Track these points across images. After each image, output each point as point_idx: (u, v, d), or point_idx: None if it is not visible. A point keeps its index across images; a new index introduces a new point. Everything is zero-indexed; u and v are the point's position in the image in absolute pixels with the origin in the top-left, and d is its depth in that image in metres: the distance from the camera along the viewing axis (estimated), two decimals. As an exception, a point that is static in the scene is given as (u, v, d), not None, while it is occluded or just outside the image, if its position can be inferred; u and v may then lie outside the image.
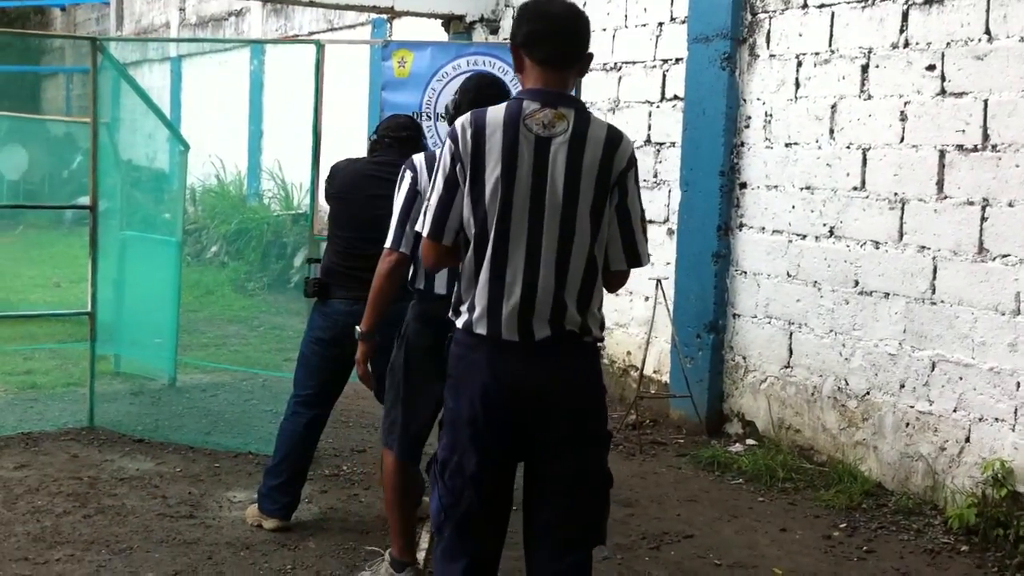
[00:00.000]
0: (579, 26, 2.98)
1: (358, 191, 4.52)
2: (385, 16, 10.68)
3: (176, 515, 4.87)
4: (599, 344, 3.02)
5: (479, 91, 4.02)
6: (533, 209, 2.87)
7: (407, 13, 8.77)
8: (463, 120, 2.94)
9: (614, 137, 2.92)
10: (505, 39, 8.45)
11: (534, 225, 2.87)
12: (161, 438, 6.03)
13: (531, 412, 2.93)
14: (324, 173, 5.72)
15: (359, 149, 5.62)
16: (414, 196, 3.84)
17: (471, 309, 2.92)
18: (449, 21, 8.75)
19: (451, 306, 3.03)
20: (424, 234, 2.98)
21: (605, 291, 3.05)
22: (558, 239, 2.87)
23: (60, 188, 15.85)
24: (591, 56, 3.03)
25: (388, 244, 3.86)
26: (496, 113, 2.91)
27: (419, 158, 3.93)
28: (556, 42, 2.94)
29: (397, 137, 4.55)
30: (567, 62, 2.96)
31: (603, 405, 3.08)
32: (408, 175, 3.89)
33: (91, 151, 6.29)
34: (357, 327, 4.03)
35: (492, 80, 4.19)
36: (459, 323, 2.97)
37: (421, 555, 4.38)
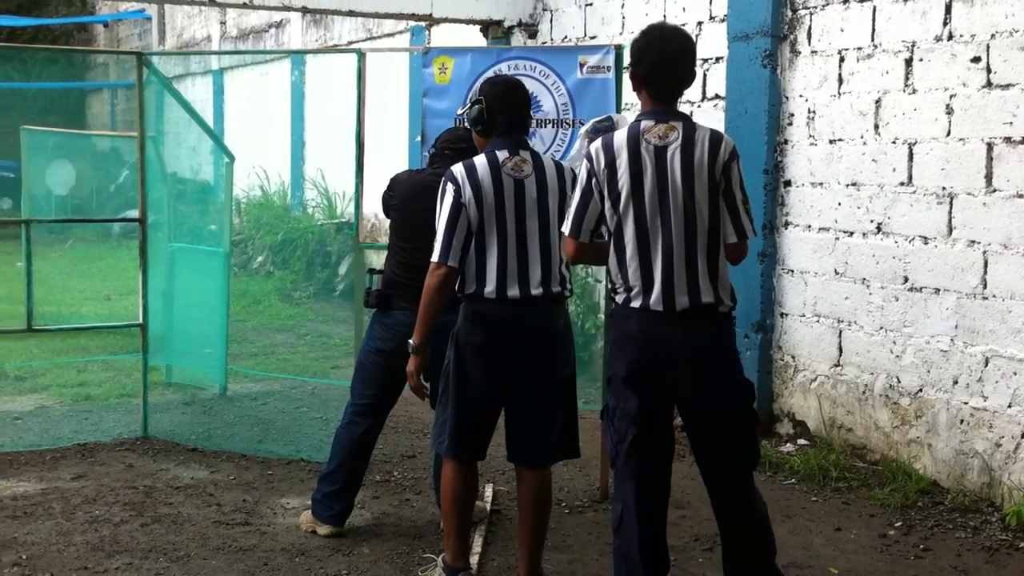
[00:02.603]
0: (690, 62, 3.71)
1: (418, 202, 4.50)
2: (423, 24, 10.73)
3: (231, 522, 4.93)
4: (732, 312, 3.70)
5: (508, 94, 4.05)
6: (661, 204, 3.56)
7: (445, 20, 8.80)
8: (596, 144, 3.65)
9: (716, 136, 3.62)
10: (544, 42, 8.47)
11: (664, 217, 3.56)
12: (214, 447, 6.10)
13: (672, 366, 3.58)
14: (368, 182, 5.79)
15: (401, 156, 5.67)
16: (458, 208, 3.88)
17: (627, 289, 3.63)
18: (487, 27, 8.77)
19: (610, 288, 3.74)
20: (566, 233, 3.71)
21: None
22: (684, 225, 3.56)
23: (107, 202, 16.09)
24: (695, 75, 3.76)
25: (436, 258, 3.89)
26: (621, 135, 3.64)
27: (459, 169, 3.94)
28: (670, 82, 3.68)
29: (457, 148, 4.54)
30: (677, 94, 3.72)
31: (736, 360, 3.75)
32: (450, 188, 3.91)
33: (139, 164, 6.38)
34: (409, 340, 4.06)
35: (515, 83, 4.20)
36: (618, 299, 3.66)
37: (475, 559, 4.40)
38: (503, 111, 4.01)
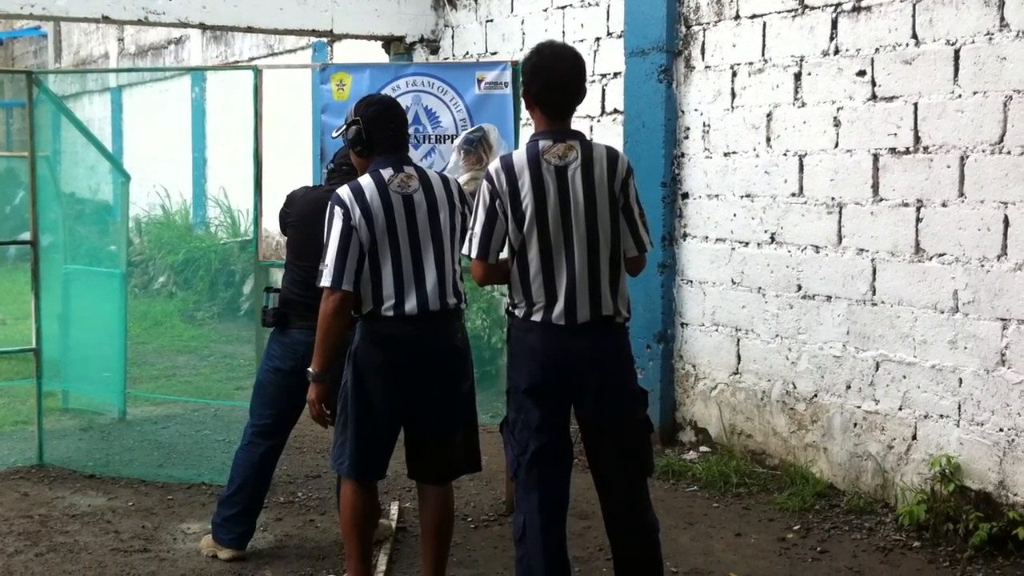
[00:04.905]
0: (581, 80, 3.77)
1: (316, 219, 4.44)
2: (325, 40, 10.67)
3: (130, 550, 4.82)
4: (627, 323, 3.79)
5: (385, 113, 4.04)
6: (564, 222, 3.64)
7: (346, 36, 8.76)
8: (496, 165, 3.71)
9: (612, 154, 3.74)
10: (446, 58, 8.50)
11: (567, 234, 3.65)
12: (112, 473, 5.96)
13: (576, 376, 3.67)
14: (267, 199, 5.73)
15: (305, 173, 5.61)
16: (349, 231, 3.85)
17: (529, 305, 3.69)
18: (389, 42, 8.76)
19: (509, 303, 3.78)
20: (473, 255, 3.72)
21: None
22: (587, 242, 3.65)
23: (2, 224, 15.63)
24: (586, 92, 3.85)
25: (328, 283, 3.85)
26: (520, 155, 3.70)
27: (346, 192, 3.91)
28: (564, 100, 3.74)
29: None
30: (571, 112, 3.77)
31: (632, 369, 3.86)
32: (339, 211, 3.88)
33: (30, 185, 6.24)
34: (309, 369, 4.01)
35: (391, 101, 4.22)
36: (518, 314, 3.72)
37: (378, 578, 4.37)
38: (382, 130, 4.00)
